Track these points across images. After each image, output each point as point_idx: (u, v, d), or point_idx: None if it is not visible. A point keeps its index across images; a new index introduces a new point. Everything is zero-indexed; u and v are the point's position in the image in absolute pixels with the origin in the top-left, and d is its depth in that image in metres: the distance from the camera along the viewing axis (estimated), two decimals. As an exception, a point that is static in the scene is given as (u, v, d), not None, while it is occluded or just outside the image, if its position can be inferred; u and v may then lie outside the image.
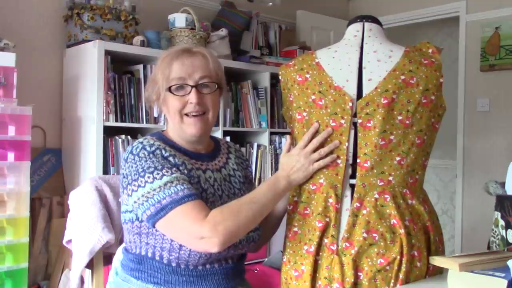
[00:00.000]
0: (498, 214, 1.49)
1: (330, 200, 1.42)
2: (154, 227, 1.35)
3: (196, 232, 1.28)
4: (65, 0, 2.91)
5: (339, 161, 1.43)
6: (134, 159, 1.37)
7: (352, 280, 1.36)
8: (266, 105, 3.58)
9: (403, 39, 4.10)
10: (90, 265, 1.81)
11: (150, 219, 1.33)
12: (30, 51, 2.91)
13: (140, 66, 3.02)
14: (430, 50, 1.50)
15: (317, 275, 1.42)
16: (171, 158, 1.38)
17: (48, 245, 2.92)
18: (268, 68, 3.59)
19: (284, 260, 1.51)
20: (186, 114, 1.44)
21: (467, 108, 4.04)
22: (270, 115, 3.62)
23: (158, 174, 1.33)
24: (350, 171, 1.44)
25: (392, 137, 1.40)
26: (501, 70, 3.85)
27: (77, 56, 2.92)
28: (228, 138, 3.23)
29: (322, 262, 1.41)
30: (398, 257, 1.36)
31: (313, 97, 1.46)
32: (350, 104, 1.42)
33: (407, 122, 1.41)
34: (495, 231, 1.51)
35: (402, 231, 1.37)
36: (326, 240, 1.41)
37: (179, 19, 3.15)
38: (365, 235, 1.37)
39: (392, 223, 1.38)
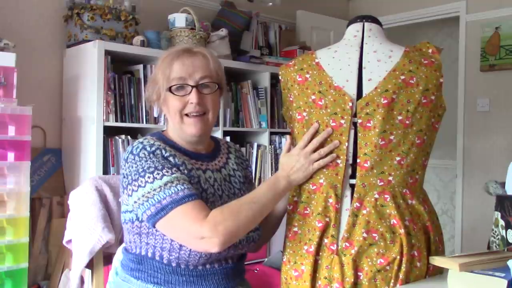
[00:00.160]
0: (498, 214, 1.49)
1: (330, 200, 1.42)
2: (154, 227, 1.35)
3: (196, 232, 1.28)
4: (65, 0, 2.91)
5: (339, 161, 1.43)
6: (134, 159, 1.37)
7: (352, 280, 1.36)
8: (266, 105, 3.58)
9: (403, 39, 4.10)
10: (90, 265, 1.81)
11: (150, 219, 1.33)
12: (30, 51, 2.91)
13: (140, 66, 3.02)
14: (430, 50, 1.50)
15: (317, 275, 1.42)
16: (171, 158, 1.38)
17: (48, 245, 2.92)
18: (268, 68, 3.59)
19: (284, 260, 1.51)
20: (187, 114, 1.44)
21: (467, 108, 4.04)
22: (270, 115, 3.62)
23: (158, 174, 1.33)
24: (350, 171, 1.44)
25: (392, 137, 1.40)
26: (501, 70, 3.85)
27: (77, 56, 2.92)
28: (228, 138, 3.23)
29: (322, 262, 1.41)
30: (398, 257, 1.36)
31: (313, 97, 1.46)
32: (350, 104, 1.42)
33: (407, 122, 1.41)
34: (495, 231, 1.51)
35: (402, 231, 1.37)
36: (326, 240, 1.41)
37: (179, 19, 3.15)
38: (365, 235, 1.37)
39: (392, 223, 1.38)
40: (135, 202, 1.35)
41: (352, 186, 1.43)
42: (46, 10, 3.00)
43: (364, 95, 1.43)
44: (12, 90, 2.42)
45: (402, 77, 1.42)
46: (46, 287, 2.85)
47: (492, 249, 1.51)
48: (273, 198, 1.41)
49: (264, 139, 3.60)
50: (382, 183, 1.41)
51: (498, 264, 1.26)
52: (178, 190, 1.31)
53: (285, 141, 1.95)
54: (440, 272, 1.44)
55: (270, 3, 3.86)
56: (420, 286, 1.35)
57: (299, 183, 1.47)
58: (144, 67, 3.02)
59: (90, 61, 2.81)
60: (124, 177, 1.39)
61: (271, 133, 3.63)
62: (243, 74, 3.60)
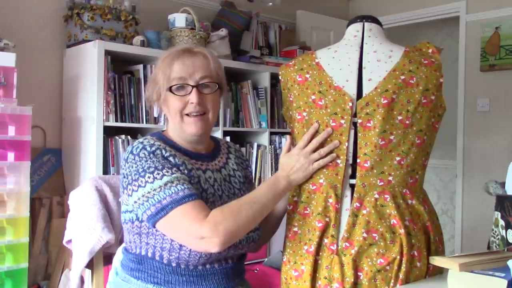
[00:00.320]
0: (498, 214, 1.49)
1: (330, 200, 1.42)
2: (154, 227, 1.35)
3: (196, 232, 1.28)
4: (65, 0, 2.91)
5: (339, 161, 1.43)
6: (134, 159, 1.37)
7: (352, 280, 1.36)
8: (266, 105, 3.58)
9: (403, 39, 4.10)
10: (90, 265, 1.81)
11: (150, 219, 1.33)
12: (30, 51, 2.91)
13: (140, 66, 3.02)
14: (430, 50, 1.50)
15: (317, 275, 1.42)
16: (171, 158, 1.38)
17: (48, 245, 2.92)
18: (268, 68, 3.59)
19: (284, 260, 1.51)
20: (187, 114, 1.44)
21: (467, 108, 4.04)
22: (270, 115, 3.62)
23: (158, 174, 1.33)
24: (350, 171, 1.44)
25: (392, 137, 1.40)
26: (501, 70, 3.85)
27: (77, 56, 2.92)
28: (228, 138, 3.23)
29: (322, 262, 1.41)
30: (398, 257, 1.36)
31: (313, 97, 1.46)
32: (350, 104, 1.42)
33: (407, 122, 1.41)
34: (495, 231, 1.51)
35: (402, 231, 1.37)
36: (326, 240, 1.41)
37: (179, 19, 3.15)
38: (365, 235, 1.37)
39: (392, 223, 1.38)
40: (135, 202, 1.35)
41: (352, 186, 1.43)
42: (46, 10, 3.00)
43: (364, 95, 1.43)
44: (12, 90, 2.42)
45: (402, 77, 1.42)
46: (46, 287, 2.85)
47: (492, 249, 1.51)
48: (273, 198, 1.41)
49: (264, 139, 3.60)
50: (382, 183, 1.41)
51: (498, 264, 1.26)
52: (178, 190, 1.31)
53: (285, 141, 1.95)
54: (440, 272, 1.44)
55: (270, 3, 3.86)
56: (420, 286, 1.35)
57: (299, 183, 1.47)
58: (144, 67, 3.02)
59: (90, 61, 2.81)
60: (124, 177, 1.39)
61: (271, 133, 3.63)
62: (243, 74, 3.60)
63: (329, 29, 4.34)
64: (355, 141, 1.43)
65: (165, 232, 1.35)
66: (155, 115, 3.02)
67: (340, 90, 1.44)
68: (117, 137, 2.90)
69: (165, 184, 1.31)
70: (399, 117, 1.41)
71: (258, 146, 3.55)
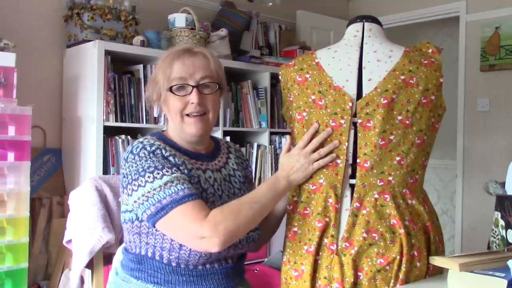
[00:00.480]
0: (498, 214, 1.49)
1: (330, 200, 1.42)
2: (154, 226, 1.35)
3: (196, 232, 1.28)
4: (65, 0, 2.91)
5: (339, 161, 1.43)
6: (134, 158, 1.37)
7: (352, 280, 1.36)
8: (266, 105, 3.58)
9: (403, 39, 4.10)
10: (90, 265, 1.81)
11: (150, 218, 1.33)
12: (30, 51, 2.91)
13: (140, 66, 3.02)
14: (430, 50, 1.50)
15: (317, 275, 1.42)
16: (171, 158, 1.38)
17: (48, 245, 2.92)
18: (268, 68, 3.59)
19: (284, 260, 1.51)
20: (187, 115, 1.44)
21: (467, 108, 4.04)
22: (270, 115, 3.62)
23: (158, 173, 1.33)
24: (350, 171, 1.44)
25: (392, 137, 1.40)
26: (501, 70, 3.85)
27: (77, 56, 2.92)
28: (228, 138, 3.23)
29: (322, 262, 1.41)
30: (398, 257, 1.36)
31: (313, 97, 1.46)
32: (350, 104, 1.42)
33: (407, 122, 1.41)
34: (495, 231, 1.51)
35: (402, 231, 1.37)
36: (326, 240, 1.41)
37: (179, 19, 3.15)
38: (365, 235, 1.37)
39: (392, 223, 1.38)
40: (135, 201, 1.35)
41: (352, 186, 1.43)
42: (46, 10, 3.00)
43: (364, 95, 1.43)
44: (12, 90, 2.42)
45: (402, 77, 1.42)
46: (46, 287, 2.85)
47: (492, 249, 1.51)
48: (273, 198, 1.41)
49: (264, 139, 3.60)
50: (382, 183, 1.41)
51: (498, 264, 1.26)
52: (178, 189, 1.31)
53: (285, 141, 1.95)
54: (440, 272, 1.44)
55: (270, 3, 3.86)
56: (420, 286, 1.35)
57: (299, 183, 1.47)
58: (144, 67, 3.02)
59: (90, 61, 2.81)
60: (124, 176, 1.39)
61: (271, 133, 3.63)
62: (243, 74, 3.60)
63: (329, 29, 4.34)
64: (355, 141, 1.43)
65: (165, 232, 1.35)
66: (155, 115, 3.02)
67: (340, 90, 1.44)
68: (117, 137, 2.90)
69: (165, 184, 1.31)
70: (399, 117, 1.41)
71: (258, 146, 3.55)
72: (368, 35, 1.55)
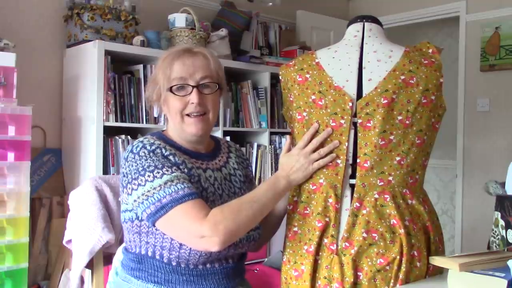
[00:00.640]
0: (498, 214, 1.49)
1: (330, 200, 1.42)
2: (154, 225, 1.35)
3: (196, 231, 1.28)
4: (65, 0, 2.91)
5: (339, 161, 1.43)
6: (134, 158, 1.37)
7: (352, 280, 1.36)
8: (266, 105, 3.58)
9: (403, 39, 4.10)
10: (90, 265, 1.81)
11: (150, 217, 1.33)
12: (30, 51, 2.91)
13: (140, 66, 3.02)
14: (430, 50, 1.50)
15: (317, 275, 1.42)
16: (171, 157, 1.38)
17: (48, 245, 2.92)
18: (268, 68, 3.59)
19: (284, 260, 1.51)
20: (188, 115, 1.44)
21: (467, 108, 4.04)
22: (270, 115, 3.62)
23: (158, 172, 1.33)
24: (350, 171, 1.44)
25: (392, 137, 1.40)
26: (501, 70, 3.85)
27: (77, 56, 2.92)
28: (228, 138, 3.23)
29: (322, 262, 1.41)
30: (398, 257, 1.36)
31: (313, 97, 1.46)
32: (350, 104, 1.42)
33: (407, 122, 1.41)
34: (495, 231, 1.51)
35: (402, 231, 1.37)
36: (326, 240, 1.41)
37: (179, 19, 3.15)
38: (364, 235, 1.37)
39: (392, 223, 1.38)
40: (134, 200, 1.35)
41: (352, 186, 1.43)
42: (46, 10, 3.00)
43: (364, 95, 1.43)
44: (12, 90, 2.42)
45: (402, 77, 1.42)
46: (46, 287, 2.85)
47: (492, 249, 1.51)
48: (273, 197, 1.41)
49: (264, 139, 3.60)
50: (382, 183, 1.41)
51: (498, 264, 1.26)
52: (178, 189, 1.31)
53: (285, 141, 1.95)
54: (440, 272, 1.44)
55: (270, 3, 3.86)
56: (420, 286, 1.35)
57: (299, 183, 1.47)
58: (144, 67, 3.02)
59: (90, 61, 2.81)
60: (124, 175, 1.39)
61: (271, 133, 3.63)
62: (243, 74, 3.60)
63: (329, 29, 4.34)
64: (355, 141, 1.43)
65: (165, 231, 1.35)
66: (155, 115, 3.02)
67: (340, 90, 1.44)
68: (117, 137, 2.90)
69: (165, 183, 1.31)
70: (399, 117, 1.41)
71: (258, 146, 3.55)
72: (368, 35, 1.55)
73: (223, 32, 3.30)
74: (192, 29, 3.13)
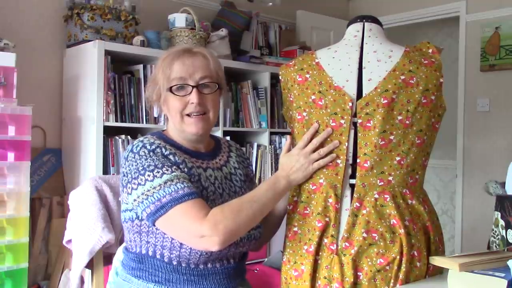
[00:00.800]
0: (498, 214, 1.49)
1: (330, 200, 1.42)
2: (154, 225, 1.35)
3: (196, 231, 1.28)
4: (65, 0, 2.91)
5: (339, 161, 1.43)
6: (134, 157, 1.37)
7: (352, 280, 1.36)
8: (266, 105, 3.58)
9: (403, 39, 4.10)
10: (90, 265, 1.81)
11: (150, 217, 1.33)
12: (30, 51, 2.91)
13: (140, 66, 3.02)
14: (430, 50, 1.50)
15: (317, 275, 1.42)
16: (171, 157, 1.39)
17: (48, 245, 2.92)
18: (268, 68, 3.59)
19: (284, 260, 1.51)
20: (188, 115, 1.44)
21: (467, 108, 4.04)
22: (270, 115, 3.62)
23: (158, 172, 1.33)
24: (350, 171, 1.44)
25: (392, 137, 1.40)
26: (501, 70, 3.85)
27: (77, 56, 2.92)
28: (228, 138, 3.23)
29: (321, 262, 1.41)
30: (398, 257, 1.36)
31: (313, 97, 1.46)
32: (350, 104, 1.42)
33: (407, 122, 1.41)
34: (495, 231, 1.51)
35: (402, 231, 1.37)
36: (326, 240, 1.41)
37: (179, 19, 3.15)
38: (364, 235, 1.37)
39: (392, 223, 1.38)
40: (134, 200, 1.35)
41: (352, 186, 1.43)
42: (46, 10, 3.00)
43: (364, 95, 1.43)
44: (12, 90, 2.42)
45: (402, 77, 1.42)
46: (46, 287, 2.85)
47: (492, 249, 1.51)
48: (273, 197, 1.41)
49: (264, 139, 3.60)
50: (382, 183, 1.41)
51: (498, 264, 1.26)
52: (178, 188, 1.31)
53: (285, 141, 1.95)
54: (440, 272, 1.44)
55: (270, 3, 3.86)
56: (420, 286, 1.35)
57: (298, 183, 1.47)
58: (144, 67, 3.02)
59: (90, 61, 2.81)
60: (124, 175, 1.39)
61: (271, 133, 3.63)
62: (243, 74, 3.60)
63: (329, 29, 4.34)
64: (355, 141, 1.43)
65: (165, 231, 1.35)
66: (155, 115, 3.02)
67: (340, 90, 1.44)
68: (117, 137, 2.90)
69: (165, 182, 1.31)
70: (399, 117, 1.41)
71: (258, 146, 3.55)
72: (368, 35, 1.55)
73: (223, 32, 3.30)
74: (192, 29, 3.13)
